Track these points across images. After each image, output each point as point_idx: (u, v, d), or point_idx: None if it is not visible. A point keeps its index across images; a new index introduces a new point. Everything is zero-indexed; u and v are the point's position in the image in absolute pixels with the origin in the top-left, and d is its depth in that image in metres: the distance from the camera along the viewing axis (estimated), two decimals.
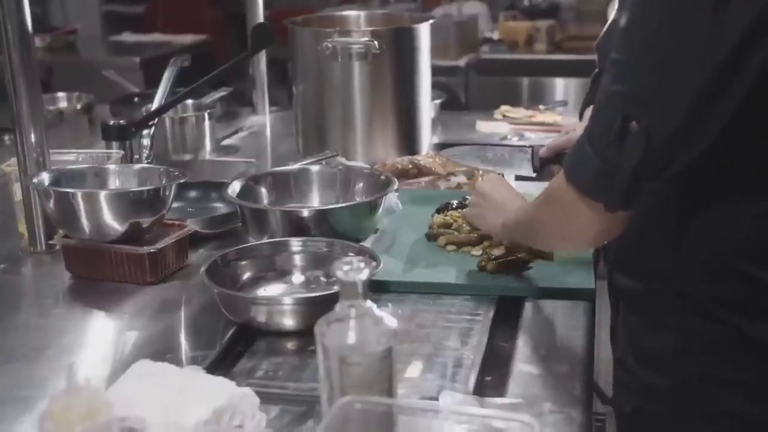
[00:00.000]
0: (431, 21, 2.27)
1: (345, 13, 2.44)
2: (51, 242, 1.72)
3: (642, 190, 1.06)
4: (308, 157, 2.08)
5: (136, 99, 2.99)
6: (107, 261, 1.60)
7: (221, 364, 1.34)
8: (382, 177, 1.79)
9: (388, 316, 0.99)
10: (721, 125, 1.00)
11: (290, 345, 1.38)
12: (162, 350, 1.37)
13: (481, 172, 2.06)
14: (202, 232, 1.77)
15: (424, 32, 2.22)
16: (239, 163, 2.41)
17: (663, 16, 1.00)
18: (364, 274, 0.98)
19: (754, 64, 0.97)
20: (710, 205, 1.07)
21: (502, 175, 1.84)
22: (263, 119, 2.92)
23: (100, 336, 1.48)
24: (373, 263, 1.40)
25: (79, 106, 2.87)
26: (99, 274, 1.62)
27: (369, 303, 0.99)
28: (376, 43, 2.12)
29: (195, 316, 1.51)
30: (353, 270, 0.97)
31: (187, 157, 2.43)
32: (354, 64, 2.17)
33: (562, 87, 4.13)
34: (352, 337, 0.97)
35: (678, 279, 1.10)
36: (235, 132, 2.73)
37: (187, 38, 4.94)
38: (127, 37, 5.11)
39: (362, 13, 2.42)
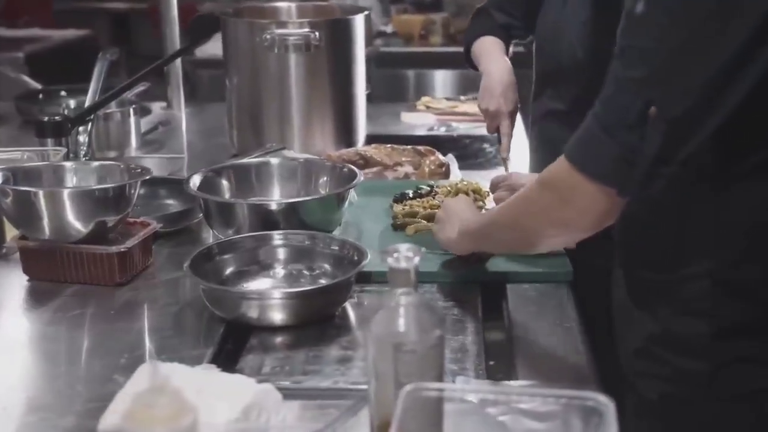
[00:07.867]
0: (366, 12, 2.26)
1: (276, 4, 2.40)
2: (5, 245, 1.62)
3: (661, 175, 1.09)
4: (255, 150, 2.05)
5: (41, 95, 2.86)
6: (72, 262, 1.52)
7: (216, 362, 1.30)
8: (344, 169, 1.77)
9: (436, 304, 0.99)
10: (735, 106, 1.03)
11: (286, 340, 1.35)
12: (153, 351, 1.33)
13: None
14: (159, 231, 1.71)
15: (359, 24, 2.22)
16: (169, 160, 2.34)
17: (682, 1, 1.03)
18: (416, 261, 0.97)
19: None
20: (750, 179, 1.09)
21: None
22: (178, 114, 2.85)
23: (78, 342, 1.40)
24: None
25: None
26: (62, 276, 1.54)
27: (418, 290, 0.99)
28: (317, 34, 2.10)
29: (175, 314, 1.45)
30: (404, 258, 0.97)
31: (113, 153, 2.34)
32: (290, 56, 2.14)
33: (460, 78, 4.19)
34: (406, 325, 0.97)
35: (714, 262, 1.11)
36: (155, 128, 2.65)
37: (69, 32, 4.75)
38: (3, 32, 4.86)
39: (293, 5, 2.39)
